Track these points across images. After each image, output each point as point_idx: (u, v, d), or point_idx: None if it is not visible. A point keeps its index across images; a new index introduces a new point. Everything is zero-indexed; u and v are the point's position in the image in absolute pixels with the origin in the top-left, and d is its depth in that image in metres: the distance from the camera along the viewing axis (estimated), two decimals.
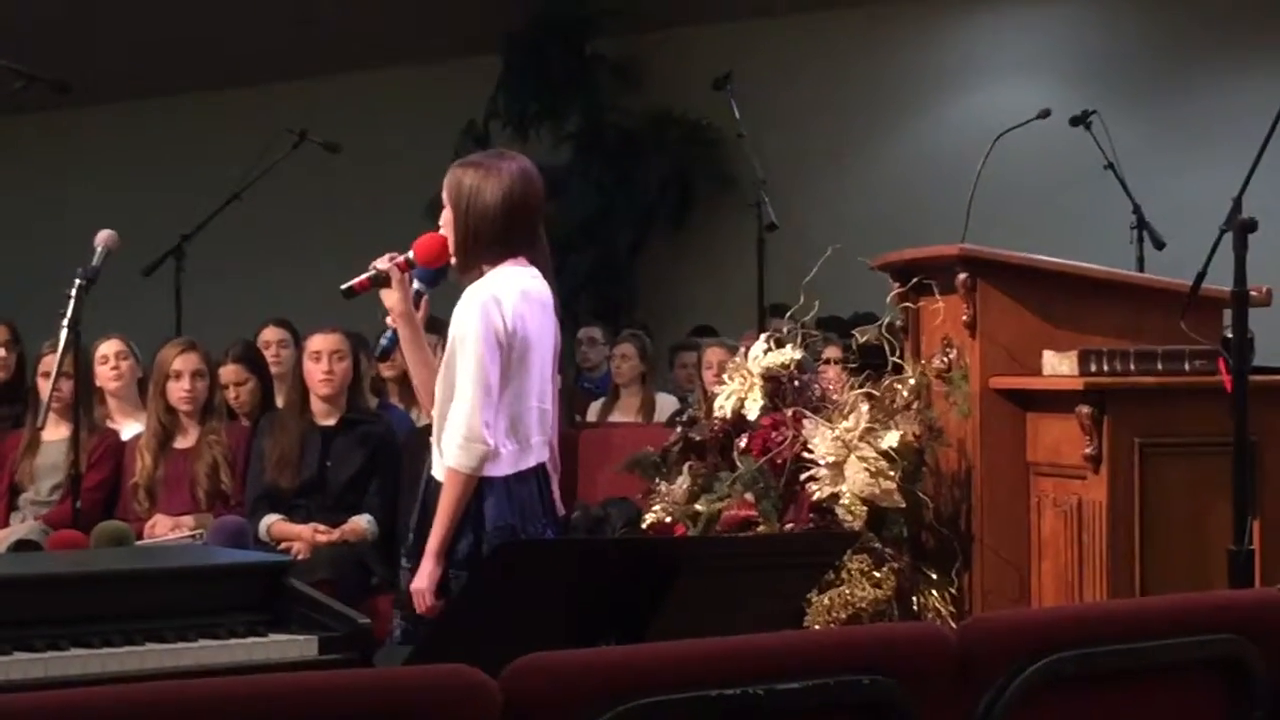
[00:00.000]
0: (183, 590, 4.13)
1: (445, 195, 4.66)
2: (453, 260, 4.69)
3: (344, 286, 4.79)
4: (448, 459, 4.53)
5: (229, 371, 7.42)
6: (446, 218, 4.67)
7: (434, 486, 4.62)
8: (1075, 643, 2.92)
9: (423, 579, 4.54)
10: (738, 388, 5.68)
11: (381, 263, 4.73)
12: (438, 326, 5.16)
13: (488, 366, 4.49)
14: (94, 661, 3.78)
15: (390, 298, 4.73)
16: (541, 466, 4.65)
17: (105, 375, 7.46)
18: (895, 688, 2.72)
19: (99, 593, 4.03)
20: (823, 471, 5.34)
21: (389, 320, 4.79)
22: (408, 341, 4.77)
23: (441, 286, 4.90)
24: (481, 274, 4.62)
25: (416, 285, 4.80)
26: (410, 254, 4.72)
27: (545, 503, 4.65)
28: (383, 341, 4.90)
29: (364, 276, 4.76)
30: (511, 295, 4.55)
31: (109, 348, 7.48)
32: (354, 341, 7.09)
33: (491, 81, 12.92)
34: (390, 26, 13.15)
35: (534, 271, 4.66)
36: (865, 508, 5.30)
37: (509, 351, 4.53)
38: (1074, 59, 11.80)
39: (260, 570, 4.31)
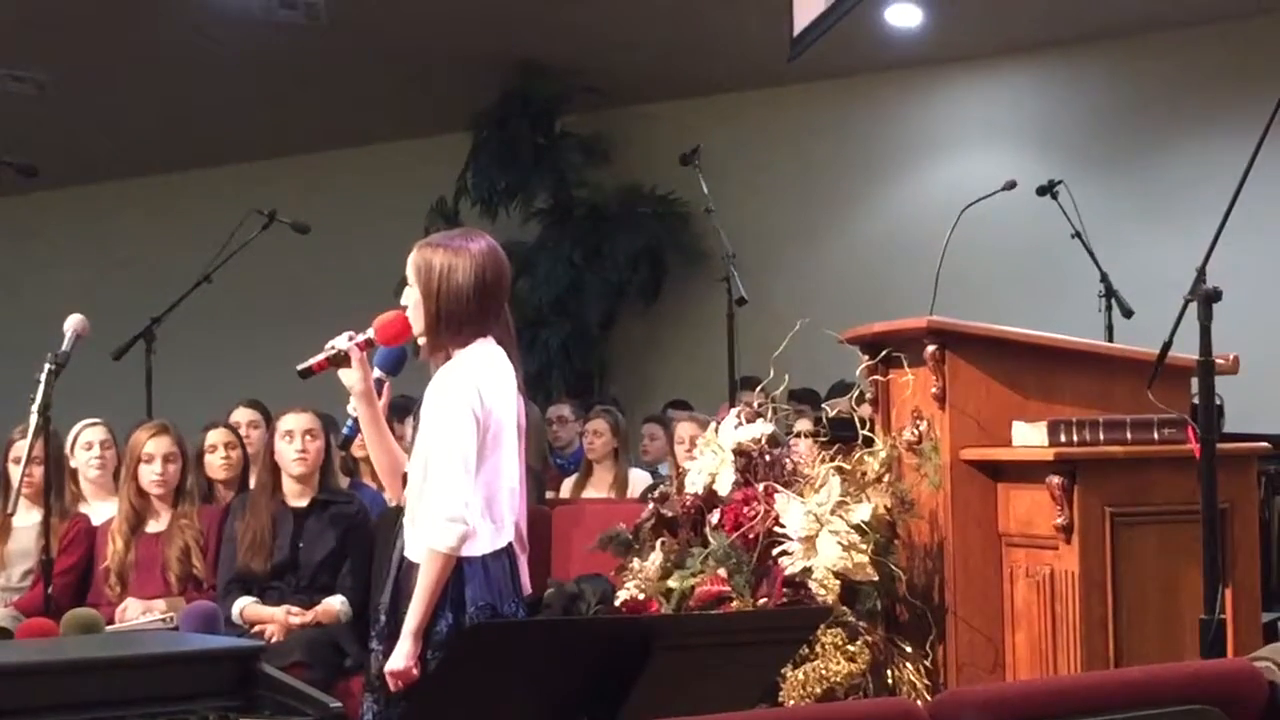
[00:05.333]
0: (153, 677, 4.10)
1: (413, 276, 4.63)
2: (420, 340, 4.67)
3: (300, 367, 4.76)
4: (427, 539, 4.50)
5: (220, 433, 7.44)
6: (412, 297, 4.64)
7: (407, 567, 4.59)
8: (1048, 716, 2.92)
9: (402, 659, 4.49)
10: (710, 464, 5.68)
11: (340, 341, 4.71)
12: (407, 407, 5.15)
13: (465, 447, 4.48)
14: None
15: (350, 377, 4.71)
16: (511, 546, 4.63)
17: (90, 462, 7.41)
18: None
19: (68, 681, 3.99)
20: (795, 546, 5.34)
21: (351, 408, 4.78)
22: (368, 422, 4.74)
23: (410, 363, 4.89)
24: (448, 354, 4.61)
25: (377, 373, 4.77)
26: (370, 333, 4.71)
27: (516, 582, 4.63)
28: (344, 430, 4.88)
29: (322, 356, 4.71)
30: (486, 376, 4.54)
31: (95, 434, 7.44)
32: (325, 421, 7.08)
33: (460, 159, 12.96)
34: (358, 106, 13.20)
35: (501, 351, 4.65)
36: (838, 581, 5.29)
37: (484, 432, 4.51)
38: (1040, 130, 11.88)
39: (231, 655, 4.28)
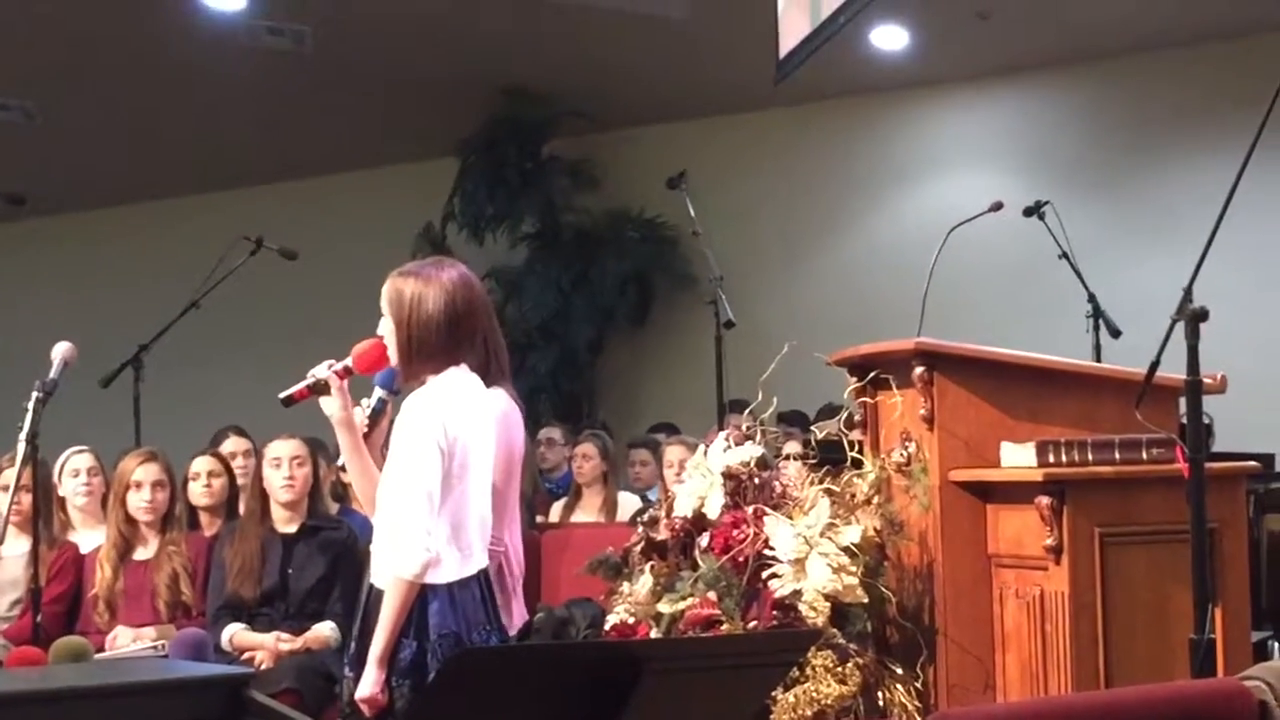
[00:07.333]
0: (143, 705, 4.09)
1: (385, 305, 4.63)
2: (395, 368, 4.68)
3: (282, 395, 4.77)
4: (391, 566, 4.50)
5: (205, 461, 7.42)
6: (386, 326, 4.65)
7: (375, 594, 4.57)
8: None
9: (368, 686, 4.48)
10: (699, 487, 5.68)
11: (320, 370, 4.72)
12: None
13: (427, 474, 4.46)
14: None
15: (330, 405, 4.71)
16: (484, 573, 4.61)
17: (78, 490, 7.39)
18: None
19: (58, 710, 3.98)
20: (785, 568, 5.33)
21: (358, 419, 4.78)
22: (349, 449, 4.75)
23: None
24: (423, 381, 4.61)
25: (380, 392, 4.79)
26: (349, 361, 4.72)
27: (489, 610, 4.60)
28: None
29: (303, 385, 4.73)
30: (452, 403, 4.53)
31: (82, 461, 7.42)
32: (313, 447, 7.07)
33: (448, 185, 12.97)
34: (345, 132, 13.20)
35: (475, 379, 4.64)
36: (828, 604, 5.28)
37: (450, 459, 4.49)
38: (1026, 150, 11.91)
39: (221, 683, 4.28)
